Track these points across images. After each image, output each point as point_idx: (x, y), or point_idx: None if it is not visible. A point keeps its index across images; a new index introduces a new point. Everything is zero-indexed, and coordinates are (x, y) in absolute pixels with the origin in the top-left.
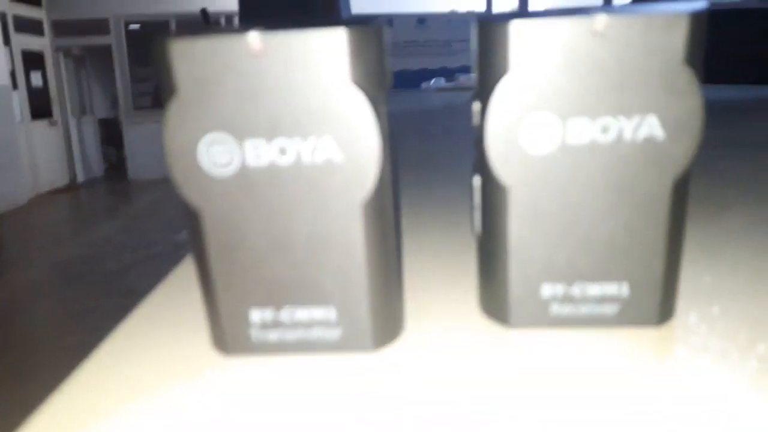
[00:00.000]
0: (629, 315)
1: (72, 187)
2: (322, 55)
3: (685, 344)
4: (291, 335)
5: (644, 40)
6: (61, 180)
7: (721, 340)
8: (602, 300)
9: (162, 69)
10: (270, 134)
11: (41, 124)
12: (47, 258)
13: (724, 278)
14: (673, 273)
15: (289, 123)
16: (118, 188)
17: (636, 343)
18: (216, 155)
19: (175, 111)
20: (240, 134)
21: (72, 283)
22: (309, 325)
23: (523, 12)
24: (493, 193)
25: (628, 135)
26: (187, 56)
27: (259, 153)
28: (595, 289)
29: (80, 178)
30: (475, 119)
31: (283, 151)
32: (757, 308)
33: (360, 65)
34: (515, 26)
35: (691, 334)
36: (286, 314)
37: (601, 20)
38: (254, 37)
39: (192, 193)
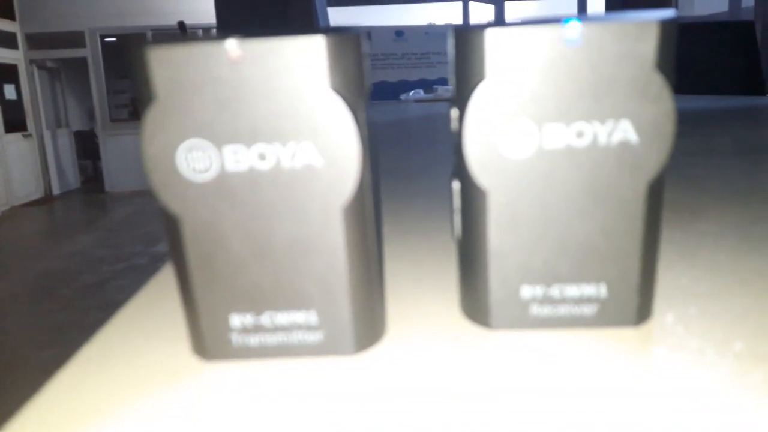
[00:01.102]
0: (608, 315)
1: (47, 199)
2: (301, 61)
3: (663, 344)
4: (272, 339)
5: (616, 47)
6: (35, 193)
7: (697, 339)
8: (581, 301)
9: (140, 76)
10: (249, 140)
11: (15, 137)
12: (22, 271)
13: (700, 280)
14: (649, 274)
15: (268, 129)
16: (95, 201)
17: (614, 342)
18: (195, 161)
19: (153, 118)
20: (219, 140)
21: (47, 296)
22: (290, 329)
23: (499, 22)
24: (472, 197)
25: (602, 139)
26: (166, 63)
27: (239, 159)
28: (573, 290)
29: (55, 190)
30: (454, 125)
31: (262, 157)
32: (731, 309)
33: (338, 72)
34: (491, 34)
35: (668, 333)
36: (266, 319)
37: (573, 28)
38: (233, 44)
39: (171, 200)
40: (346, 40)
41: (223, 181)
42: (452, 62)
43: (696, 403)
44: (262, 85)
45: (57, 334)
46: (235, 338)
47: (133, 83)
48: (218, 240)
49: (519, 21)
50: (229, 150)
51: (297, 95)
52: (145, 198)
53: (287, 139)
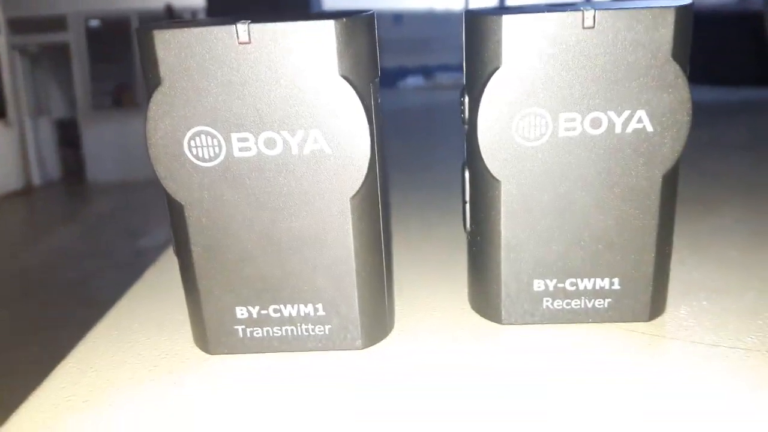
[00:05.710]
0: (621, 310)
1: (27, 190)
2: (310, 47)
3: (676, 339)
4: (277, 333)
5: (632, 35)
6: (15, 183)
7: (710, 334)
8: (594, 295)
9: (146, 60)
10: (257, 128)
11: None
12: (1, 266)
13: (713, 274)
14: (663, 267)
15: (276, 116)
16: (77, 192)
17: (628, 337)
18: (201, 148)
19: (159, 103)
20: (226, 127)
21: (29, 292)
22: (296, 322)
23: (509, 7)
24: (485, 187)
25: (617, 129)
26: (173, 47)
27: (246, 146)
28: (587, 285)
29: (36, 181)
30: (465, 113)
31: (270, 145)
32: (744, 303)
33: (348, 57)
34: (508, 20)
35: (681, 328)
36: (272, 311)
37: (590, 15)
38: (241, 28)
39: (176, 187)
40: (356, 24)
41: (230, 169)
42: (464, 48)
43: (709, 399)
44: (270, 71)
45: (39, 333)
46: (239, 331)
47: (117, 73)
48: (224, 229)
49: (530, 6)
50: (236, 138)
51: (306, 82)
52: (128, 189)
53: (295, 127)
